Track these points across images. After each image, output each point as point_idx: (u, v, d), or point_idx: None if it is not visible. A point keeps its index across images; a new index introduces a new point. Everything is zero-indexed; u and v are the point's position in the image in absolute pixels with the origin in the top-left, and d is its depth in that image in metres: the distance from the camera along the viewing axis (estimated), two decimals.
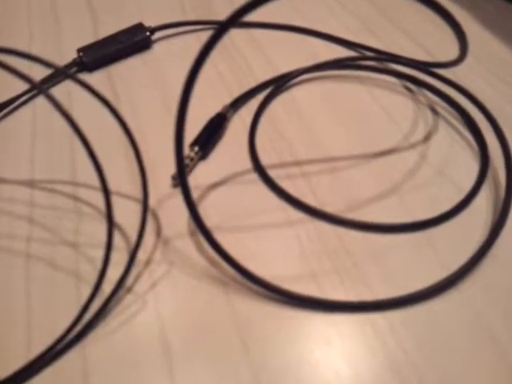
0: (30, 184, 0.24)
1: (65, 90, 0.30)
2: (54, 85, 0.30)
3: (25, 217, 0.23)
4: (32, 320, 0.19)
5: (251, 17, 0.35)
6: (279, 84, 0.29)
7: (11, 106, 0.28)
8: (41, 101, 0.29)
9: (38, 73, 0.29)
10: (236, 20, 0.17)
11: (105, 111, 0.27)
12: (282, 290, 0.20)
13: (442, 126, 0.28)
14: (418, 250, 0.22)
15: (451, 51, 0.32)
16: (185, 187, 0.19)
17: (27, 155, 0.26)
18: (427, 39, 0.33)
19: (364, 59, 0.30)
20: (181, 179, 0.19)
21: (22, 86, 0.29)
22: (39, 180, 0.25)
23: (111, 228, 0.18)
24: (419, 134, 0.27)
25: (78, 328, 0.19)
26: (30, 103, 0.29)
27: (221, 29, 0.17)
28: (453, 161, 0.26)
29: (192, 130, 0.27)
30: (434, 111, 0.28)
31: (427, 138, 0.27)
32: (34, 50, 0.32)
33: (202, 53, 0.17)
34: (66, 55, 0.32)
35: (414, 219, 0.23)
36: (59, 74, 0.29)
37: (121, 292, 0.20)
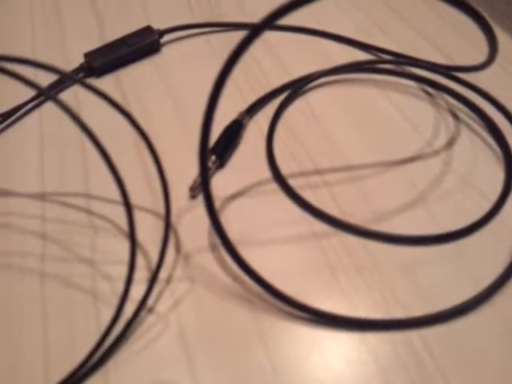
0: (41, 197, 0.23)
1: (70, 98, 0.28)
2: (59, 92, 0.29)
3: (37, 232, 0.22)
4: (49, 344, 0.18)
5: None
6: (295, 89, 0.28)
7: (16, 115, 0.27)
8: (47, 109, 0.28)
9: (42, 80, 0.28)
10: (270, 23, 0.16)
11: (113, 118, 0.26)
12: (312, 309, 0.19)
13: (464, 131, 0.27)
14: (447, 263, 0.21)
15: (468, 53, 0.31)
16: (209, 201, 0.18)
17: (36, 166, 0.25)
18: (444, 41, 0.32)
19: (384, 62, 0.29)
20: (205, 193, 0.18)
21: (25, 95, 0.28)
22: (50, 193, 0.24)
23: (134, 247, 0.17)
24: (442, 140, 0.26)
25: (100, 353, 0.18)
26: (36, 111, 0.28)
27: (254, 31, 0.16)
28: (477, 167, 0.25)
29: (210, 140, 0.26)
30: (455, 116, 0.28)
31: (450, 144, 0.26)
32: (38, 56, 0.31)
33: (232, 56, 0.16)
34: (71, 60, 0.31)
35: (441, 230, 0.22)
36: (66, 80, 0.28)
37: (142, 313, 0.19)
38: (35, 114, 0.27)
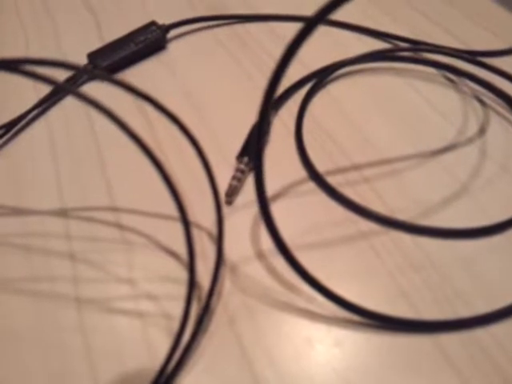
0: (62, 213, 0.21)
1: (76, 99, 0.26)
2: (77, 88, 0.26)
3: (63, 253, 0.20)
4: (100, 380, 0.17)
5: (268, 9, 0.32)
6: (319, 80, 0.26)
7: (20, 124, 0.25)
8: (52, 115, 0.25)
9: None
10: (326, 15, 0.15)
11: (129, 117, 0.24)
12: (380, 315, 0.18)
13: (493, 117, 0.26)
14: (502, 254, 0.21)
15: (479, 38, 0.31)
16: (263, 202, 0.17)
17: (51, 179, 0.22)
18: (455, 27, 0.32)
19: (407, 50, 0.28)
20: (259, 194, 0.16)
21: (26, 103, 0.25)
22: (72, 208, 0.21)
23: (193, 264, 0.15)
24: (473, 128, 0.26)
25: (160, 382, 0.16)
26: (42, 119, 0.25)
27: (309, 24, 0.14)
28: None
29: (232, 140, 0.24)
30: (481, 102, 0.27)
31: (482, 131, 0.25)
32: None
33: (287, 53, 0.14)
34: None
35: (489, 220, 0.22)
36: (80, 77, 0.25)
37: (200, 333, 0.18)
38: (41, 122, 0.25)
